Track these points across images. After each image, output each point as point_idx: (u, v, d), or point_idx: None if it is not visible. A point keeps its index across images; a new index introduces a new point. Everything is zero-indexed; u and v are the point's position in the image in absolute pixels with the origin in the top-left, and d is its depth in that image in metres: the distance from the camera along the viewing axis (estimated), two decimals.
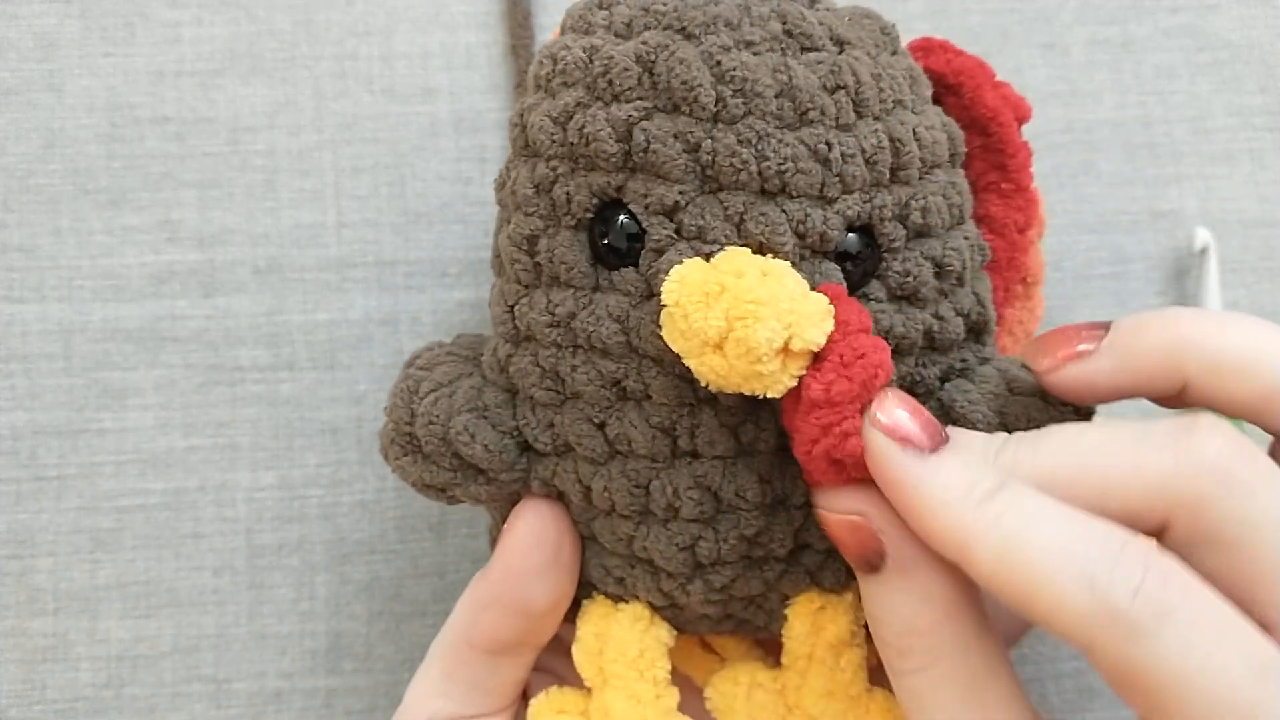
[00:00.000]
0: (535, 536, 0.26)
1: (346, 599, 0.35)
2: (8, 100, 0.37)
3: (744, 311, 0.22)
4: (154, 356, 0.36)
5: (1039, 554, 0.21)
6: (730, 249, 0.23)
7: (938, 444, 0.22)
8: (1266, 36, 0.39)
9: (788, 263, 0.23)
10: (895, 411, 0.23)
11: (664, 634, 0.27)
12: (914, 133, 0.25)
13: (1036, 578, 0.21)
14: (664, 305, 0.23)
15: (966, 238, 0.27)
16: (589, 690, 0.27)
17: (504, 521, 0.29)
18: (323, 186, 0.37)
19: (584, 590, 0.28)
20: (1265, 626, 0.21)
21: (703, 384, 0.24)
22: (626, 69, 0.24)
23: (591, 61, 0.25)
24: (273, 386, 0.36)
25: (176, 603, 0.35)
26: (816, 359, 0.23)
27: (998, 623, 0.30)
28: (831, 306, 0.23)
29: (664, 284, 0.23)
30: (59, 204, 0.36)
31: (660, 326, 0.23)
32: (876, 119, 0.25)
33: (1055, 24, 0.39)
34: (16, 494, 0.35)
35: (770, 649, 0.30)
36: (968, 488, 0.22)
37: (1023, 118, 0.29)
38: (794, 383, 0.23)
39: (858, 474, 0.23)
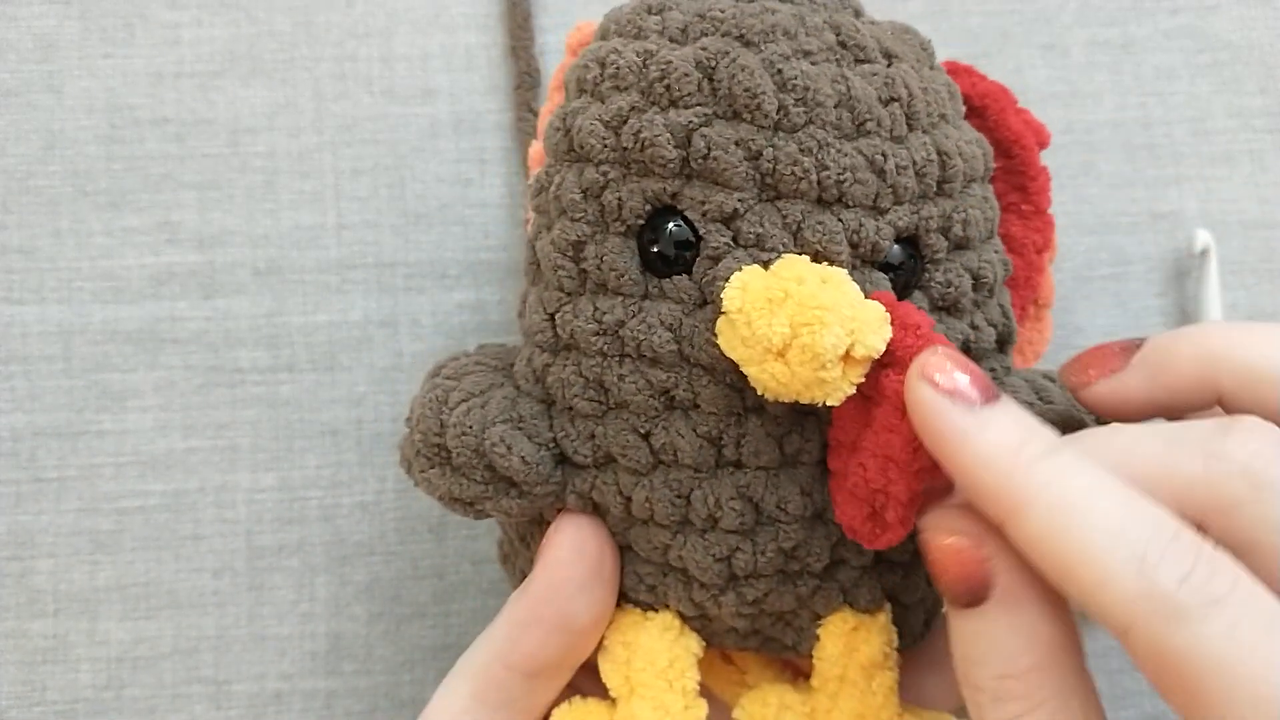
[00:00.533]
0: (577, 550, 0.26)
1: (346, 600, 0.35)
2: (7, 101, 0.37)
3: (810, 318, 0.22)
4: (154, 358, 0.36)
5: (1090, 525, 0.20)
6: (788, 256, 0.23)
7: (990, 398, 0.22)
8: (1266, 37, 0.39)
9: (845, 271, 0.23)
10: (945, 364, 0.22)
11: (694, 644, 0.27)
12: (957, 147, 0.26)
13: (1085, 549, 0.20)
14: (724, 312, 0.23)
15: (996, 251, 0.27)
16: (613, 702, 0.27)
17: (519, 539, 0.28)
18: (322, 188, 0.37)
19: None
20: None
21: (760, 392, 0.23)
22: (686, 74, 0.24)
23: (647, 66, 0.25)
24: (272, 388, 0.36)
25: (176, 604, 0.35)
26: (878, 364, 0.23)
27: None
28: (888, 314, 0.23)
29: (724, 291, 0.23)
30: (59, 205, 0.36)
31: (716, 335, 0.23)
32: (925, 132, 0.25)
33: (1055, 25, 0.39)
34: (16, 495, 0.35)
35: (791, 667, 0.30)
36: (1020, 444, 0.21)
37: (1043, 143, 0.30)
38: (852, 390, 0.23)
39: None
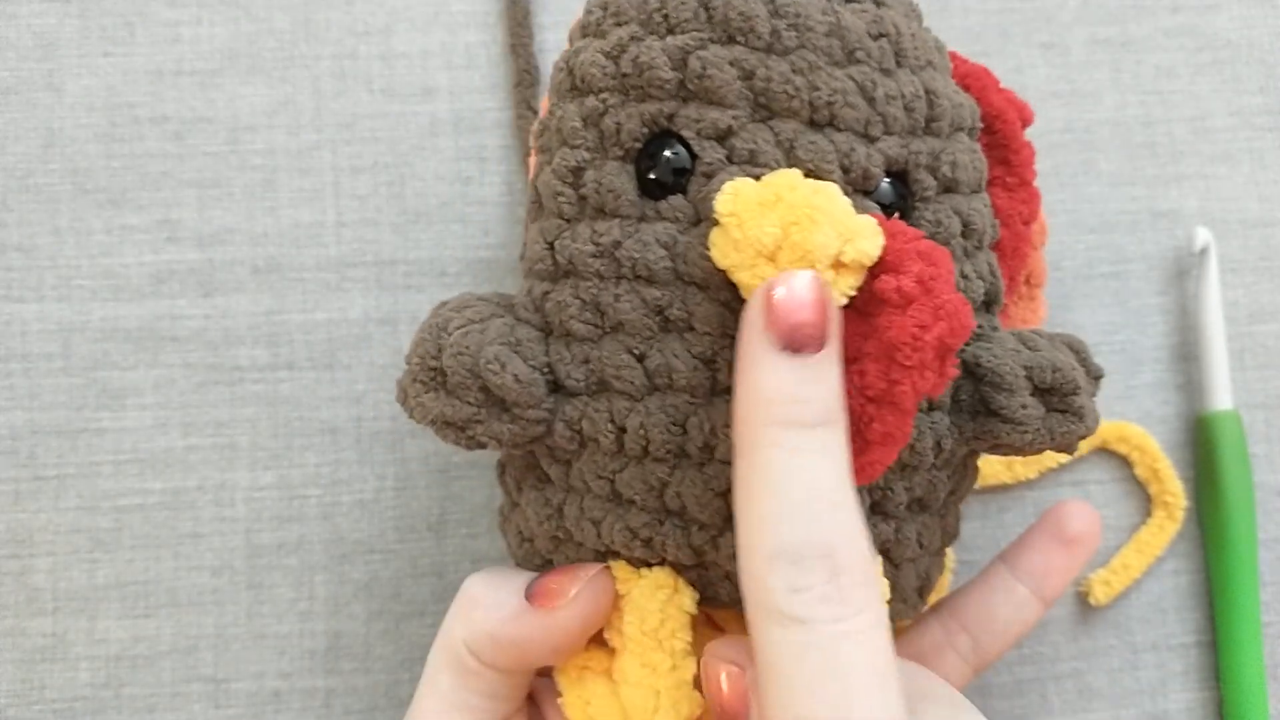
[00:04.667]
0: (587, 618, 0.26)
1: (345, 599, 0.35)
2: (7, 100, 0.37)
3: (799, 217, 0.22)
4: (153, 356, 0.36)
5: (770, 508, 0.22)
6: (781, 170, 0.24)
7: (799, 348, 0.22)
8: (1266, 36, 0.39)
9: (836, 186, 0.23)
10: (800, 294, 0.22)
11: (687, 602, 0.26)
12: (945, 91, 0.27)
13: (757, 526, 0.22)
14: (718, 217, 0.23)
15: (985, 205, 0.28)
16: (614, 650, 0.27)
17: (515, 491, 0.28)
18: (322, 186, 0.37)
19: (601, 557, 0.27)
20: None
21: None
22: (683, 3, 0.25)
23: (646, 1, 0.26)
24: (272, 386, 0.36)
25: (175, 602, 0.35)
26: (874, 272, 0.23)
27: (982, 642, 0.30)
28: (879, 226, 0.23)
29: (717, 197, 0.23)
30: (58, 203, 0.36)
31: (709, 248, 0.24)
32: (913, 71, 0.26)
33: (1055, 23, 0.39)
34: (15, 493, 0.35)
35: None
36: (777, 402, 0.22)
37: (1026, 120, 0.30)
38: (844, 300, 0.23)
39: (952, 373, 0.23)
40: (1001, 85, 0.30)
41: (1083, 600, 0.36)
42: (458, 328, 0.26)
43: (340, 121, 0.37)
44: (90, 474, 0.35)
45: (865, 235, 0.23)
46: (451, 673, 0.27)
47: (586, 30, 0.27)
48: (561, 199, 0.26)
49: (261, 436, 0.36)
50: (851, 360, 0.23)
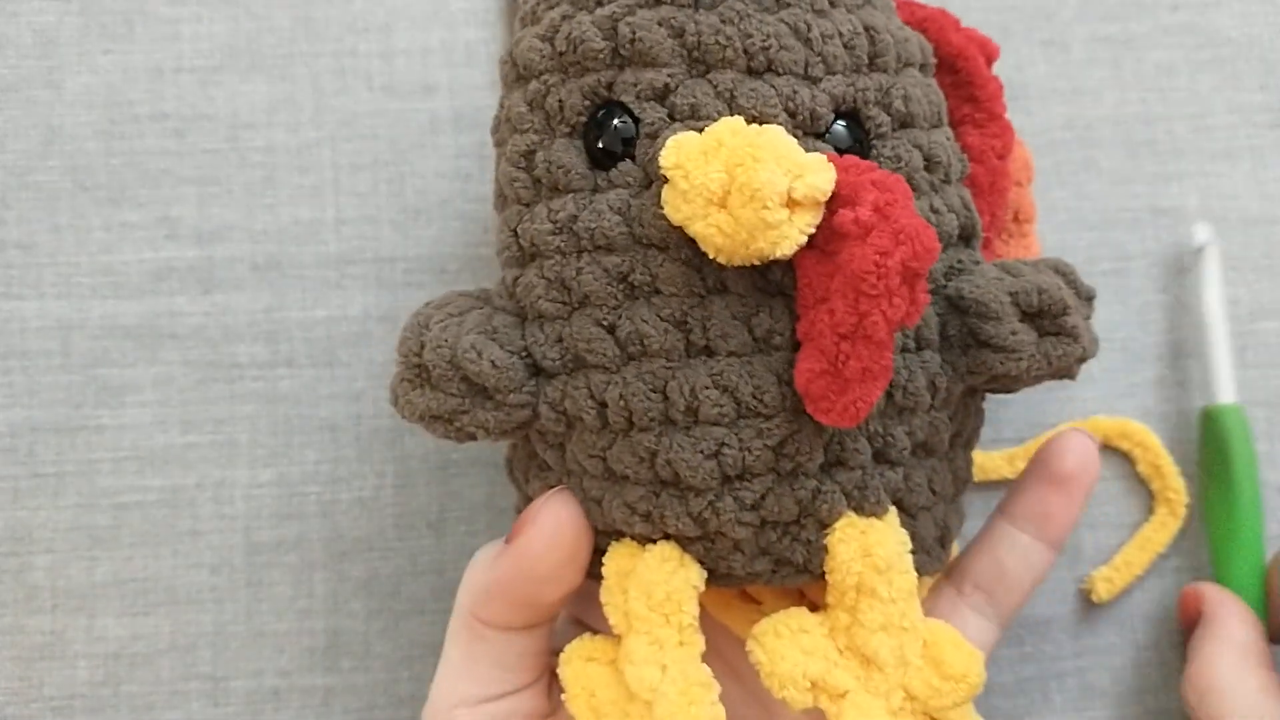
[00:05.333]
0: (552, 536, 0.26)
1: (345, 596, 0.35)
2: (7, 97, 0.37)
3: (742, 157, 0.22)
4: (152, 353, 0.36)
5: None
6: (723, 119, 0.24)
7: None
8: (1267, 33, 0.39)
9: (781, 128, 0.23)
10: None
11: (694, 576, 0.26)
12: (886, 26, 0.27)
13: None
14: (664, 172, 0.23)
15: (948, 139, 0.28)
16: (619, 638, 0.26)
17: (525, 475, 0.28)
18: (322, 183, 0.37)
19: (607, 539, 0.27)
20: None
21: (712, 255, 0.24)
22: None
23: None
24: (271, 383, 0.36)
25: (174, 600, 0.35)
26: (831, 208, 0.23)
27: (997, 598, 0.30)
28: (830, 163, 0.23)
29: (661, 153, 0.23)
30: (58, 200, 0.36)
31: (662, 207, 0.24)
32: (849, 10, 0.26)
33: (1056, 21, 0.39)
34: (14, 491, 0.35)
35: (809, 601, 0.28)
36: None
37: (990, 56, 0.30)
38: (803, 239, 0.23)
39: (924, 299, 0.23)
40: (962, 25, 0.30)
41: (1085, 598, 0.36)
42: (437, 323, 0.26)
43: (340, 119, 0.37)
44: (89, 471, 0.35)
45: (815, 170, 0.23)
46: (459, 643, 0.27)
47: (524, 20, 0.28)
48: (518, 184, 0.26)
49: (261, 434, 0.35)
50: (820, 301, 0.23)
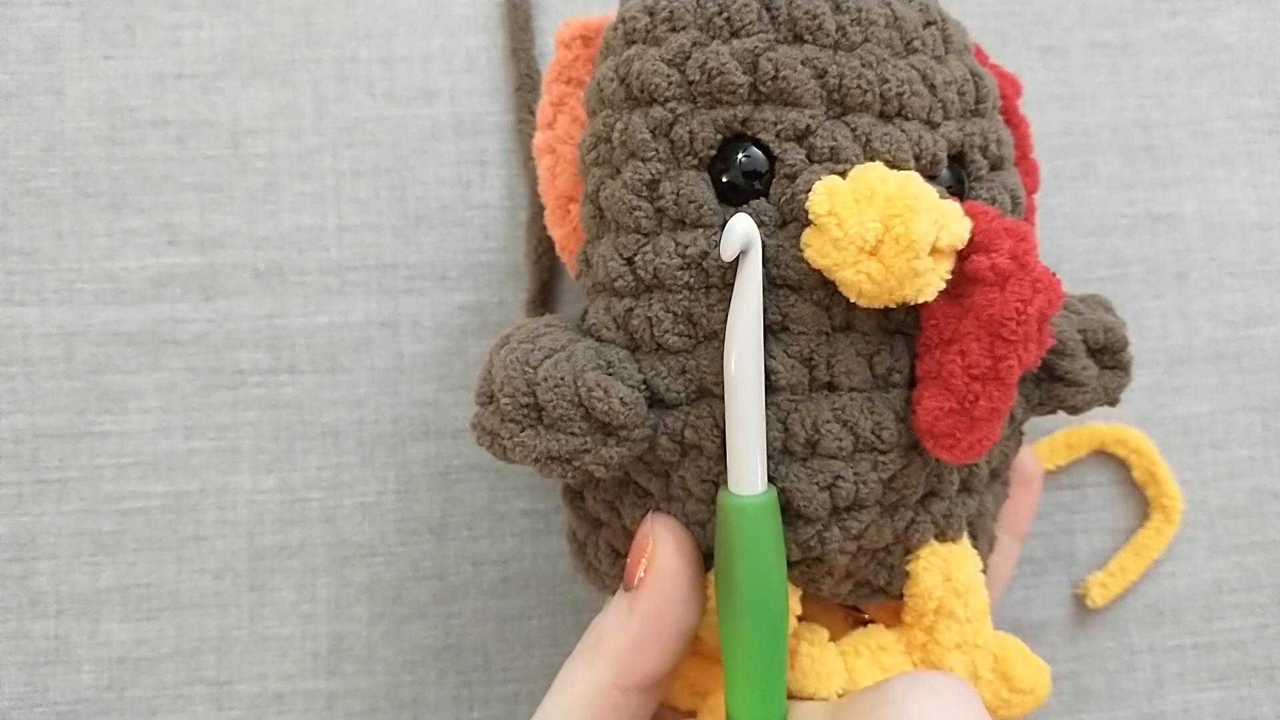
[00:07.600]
0: (679, 550, 0.26)
1: (347, 601, 0.35)
2: (8, 103, 0.37)
3: (901, 209, 0.23)
4: (155, 360, 0.36)
5: None
6: (863, 164, 0.24)
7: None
8: (1265, 39, 0.39)
9: (916, 174, 0.24)
10: None
11: (794, 603, 0.26)
12: (983, 73, 0.27)
13: None
14: (813, 218, 0.23)
15: (1018, 178, 0.29)
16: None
17: (606, 508, 0.28)
18: (323, 190, 0.37)
19: (710, 561, 0.26)
20: None
21: (853, 298, 0.24)
22: (745, 5, 0.25)
23: (702, 4, 0.26)
24: (273, 390, 0.36)
25: (178, 605, 0.35)
26: (962, 254, 0.23)
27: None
28: (962, 209, 0.24)
29: (810, 198, 0.23)
30: (60, 207, 0.36)
31: (802, 249, 0.24)
32: (958, 55, 0.27)
33: (1054, 27, 0.39)
34: (18, 497, 0.35)
35: (851, 616, 0.29)
36: None
37: (1018, 92, 0.31)
38: (942, 285, 0.23)
39: (1049, 343, 0.24)
40: (992, 61, 0.31)
41: (1080, 602, 0.36)
42: (543, 359, 0.25)
43: (341, 125, 0.37)
44: (92, 477, 0.35)
45: (955, 219, 0.23)
46: (586, 712, 0.25)
47: (633, 38, 0.27)
48: (639, 213, 0.26)
49: (263, 440, 0.36)
50: (948, 342, 0.24)
